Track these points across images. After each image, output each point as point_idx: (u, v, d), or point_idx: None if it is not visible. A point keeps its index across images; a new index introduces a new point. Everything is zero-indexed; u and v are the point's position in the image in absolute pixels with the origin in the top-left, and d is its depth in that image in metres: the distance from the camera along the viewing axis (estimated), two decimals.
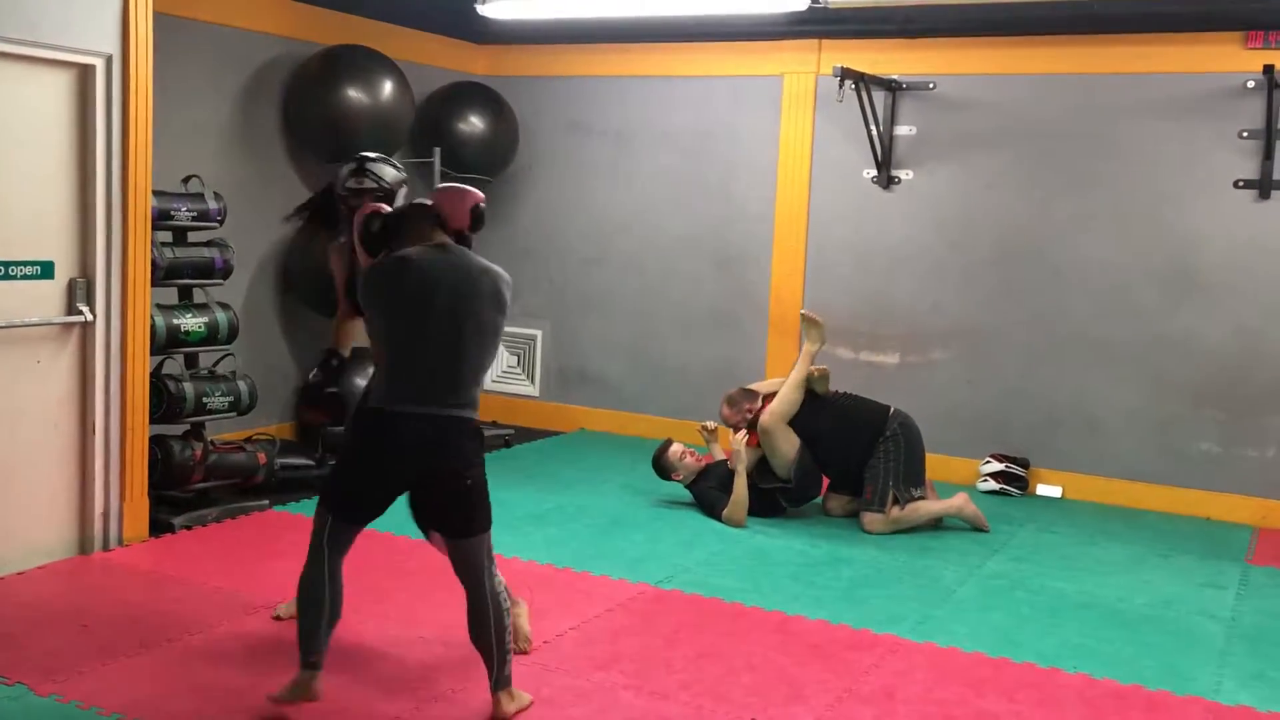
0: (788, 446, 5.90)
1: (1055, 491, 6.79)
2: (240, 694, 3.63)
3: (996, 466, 6.83)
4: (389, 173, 4.36)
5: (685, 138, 7.69)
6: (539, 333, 8.27)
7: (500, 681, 3.52)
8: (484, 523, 3.56)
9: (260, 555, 5.00)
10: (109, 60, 4.79)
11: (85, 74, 4.75)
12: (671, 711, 3.67)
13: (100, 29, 4.74)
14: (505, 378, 8.41)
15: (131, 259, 4.95)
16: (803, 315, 6.16)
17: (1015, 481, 6.79)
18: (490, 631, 3.49)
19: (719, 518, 5.87)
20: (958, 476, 6.82)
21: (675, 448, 6.17)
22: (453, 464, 3.50)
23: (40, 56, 4.57)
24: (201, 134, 6.32)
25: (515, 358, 8.36)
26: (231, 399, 5.58)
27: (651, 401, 7.92)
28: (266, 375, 6.69)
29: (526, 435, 7.85)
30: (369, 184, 4.29)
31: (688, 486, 6.13)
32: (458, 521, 3.54)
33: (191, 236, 5.63)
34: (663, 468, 6.16)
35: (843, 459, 6.00)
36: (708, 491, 6.00)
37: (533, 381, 8.33)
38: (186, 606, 4.35)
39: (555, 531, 5.57)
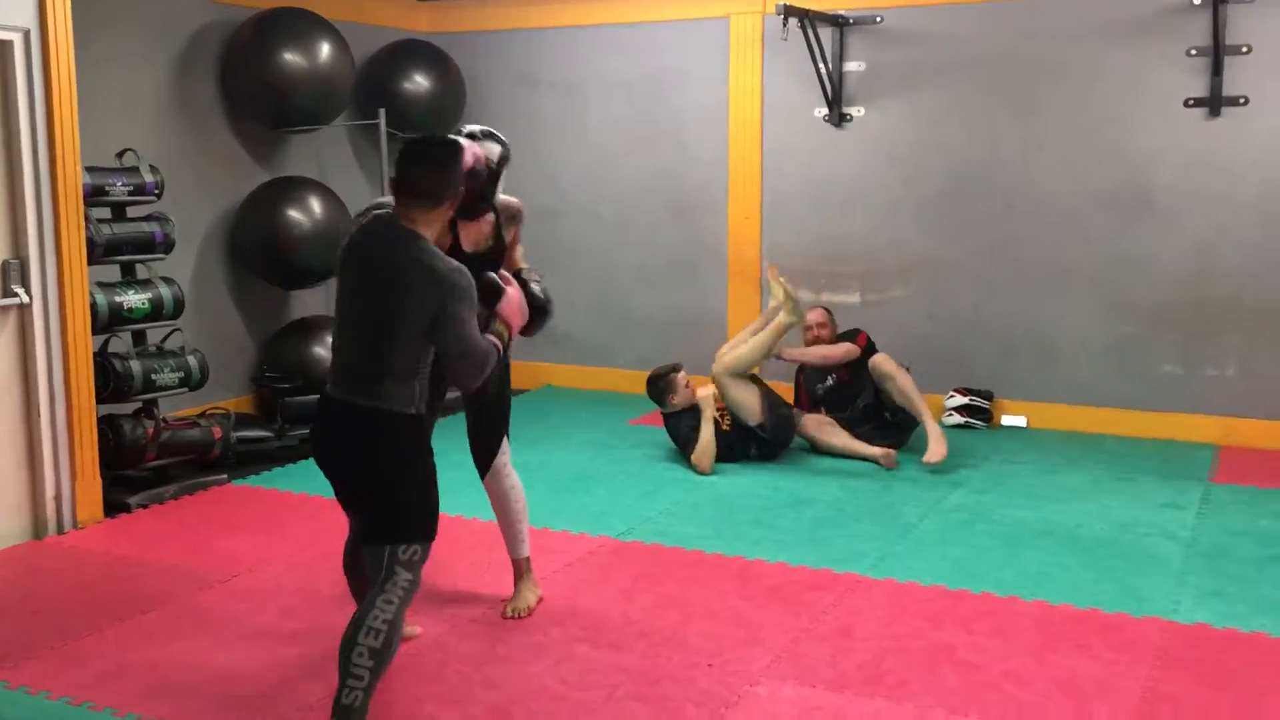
0: (744, 395, 5.89)
1: (1020, 422, 6.80)
2: (192, 668, 3.60)
3: (960, 400, 6.82)
4: (495, 150, 4.01)
5: (635, 85, 7.59)
6: None
7: (337, 710, 3.01)
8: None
9: (216, 530, 4.96)
10: (26, 35, 4.67)
11: (3, 50, 4.64)
12: (628, 662, 3.66)
13: (14, 3, 4.62)
14: None
15: (65, 238, 4.86)
16: (785, 290, 6.07)
17: (979, 414, 6.79)
18: (347, 650, 3.05)
19: (688, 458, 5.86)
20: None
21: (682, 375, 6.15)
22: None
23: None
24: (136, 106, 6.19)
25: None
26: (182, 374, 5.51)
27: (616, 354, 7.88)
28: (221, 348, 6.62)
29: None
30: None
31: (667, 417, 6.13)
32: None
33: (131, 212, 5.53)
34: (660, 389, 6.13)
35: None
36: (685, 430, 5.99)
37: None
38: (140, 585, 4.31)
39: None
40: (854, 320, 6.89)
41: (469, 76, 7.89)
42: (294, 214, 6.54)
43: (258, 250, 6.60)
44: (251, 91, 6.57)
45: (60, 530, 4.92)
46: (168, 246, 5.58)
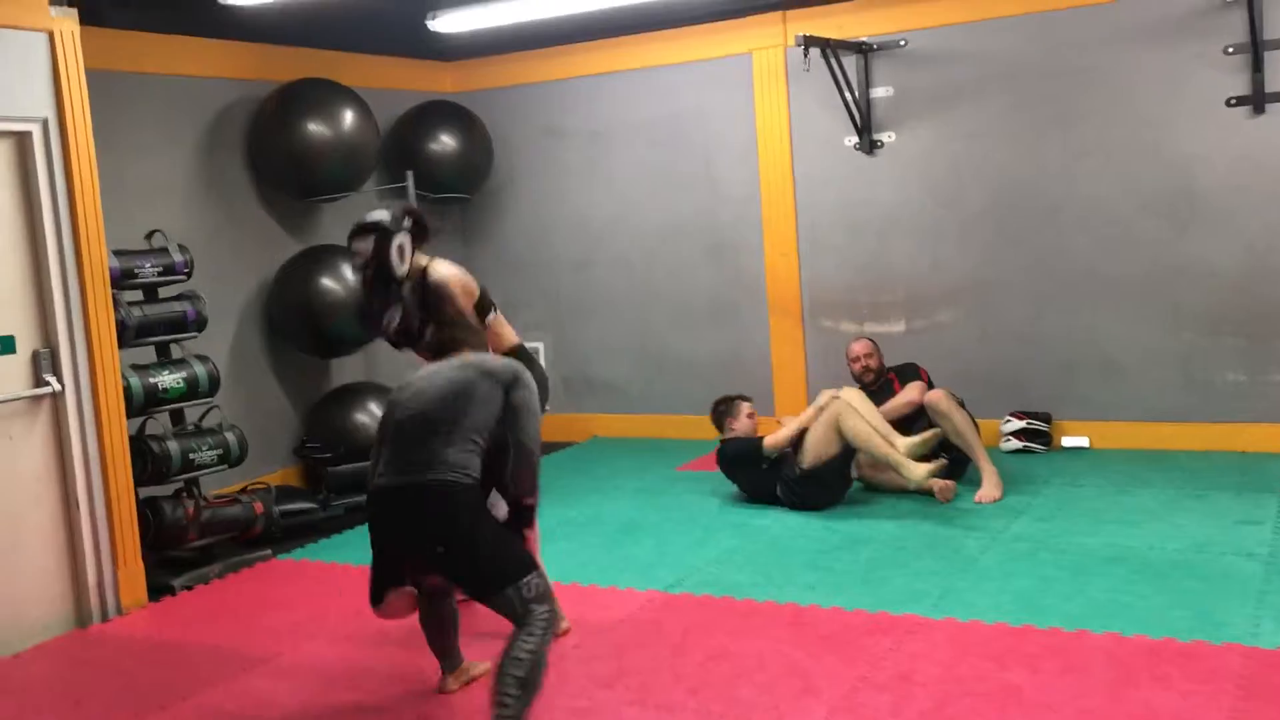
0: (826, 440, 5.62)
1: (1082, 442, 6.56)
2: None
3: (1017, 425, 6.60)
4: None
5: (661, 128, 7.52)
6: (540, 345, 8.12)
7: None
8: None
9: (259, 608, 4.88)
10: (44, 124, 4.69)
11: (22, 141, 4.66)
12: None
13: (31, 94, 4.65)
14: None
15: (94, 323, 4.85)
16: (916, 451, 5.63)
17: (1038, 438, 6.56)
18: (499, 679, 3.20)
19: (737, 474, 5.93)
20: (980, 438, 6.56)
21: (748, 405, 6.10)
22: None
23: None
24: (165, 187, 6.23)
25: None
26: (220, 451, 5.47)
27: (661, 401, 7.76)
28: (264, 421, 6.60)
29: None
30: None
31: (723, 443, 6.04)
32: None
33: (163, 292, 5.53)
34: (721, 412, 6.11)
35: None
36: (737, 461, 5.93)
37: None
38: (183, 670, 4.23)
39: (566, 545, 5.41)
40: (901, 350, 6.70)
41: (496, 132, 7.88)
42: (327, 283, 6.52)
43: (293, 321, 6.59)
44: (278, 164, 6.59)
45: (104, 618, 4.87)
46: (200, 324, 5.56)
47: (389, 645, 4.30)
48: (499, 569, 3.33)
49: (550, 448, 7.74)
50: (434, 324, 4.21)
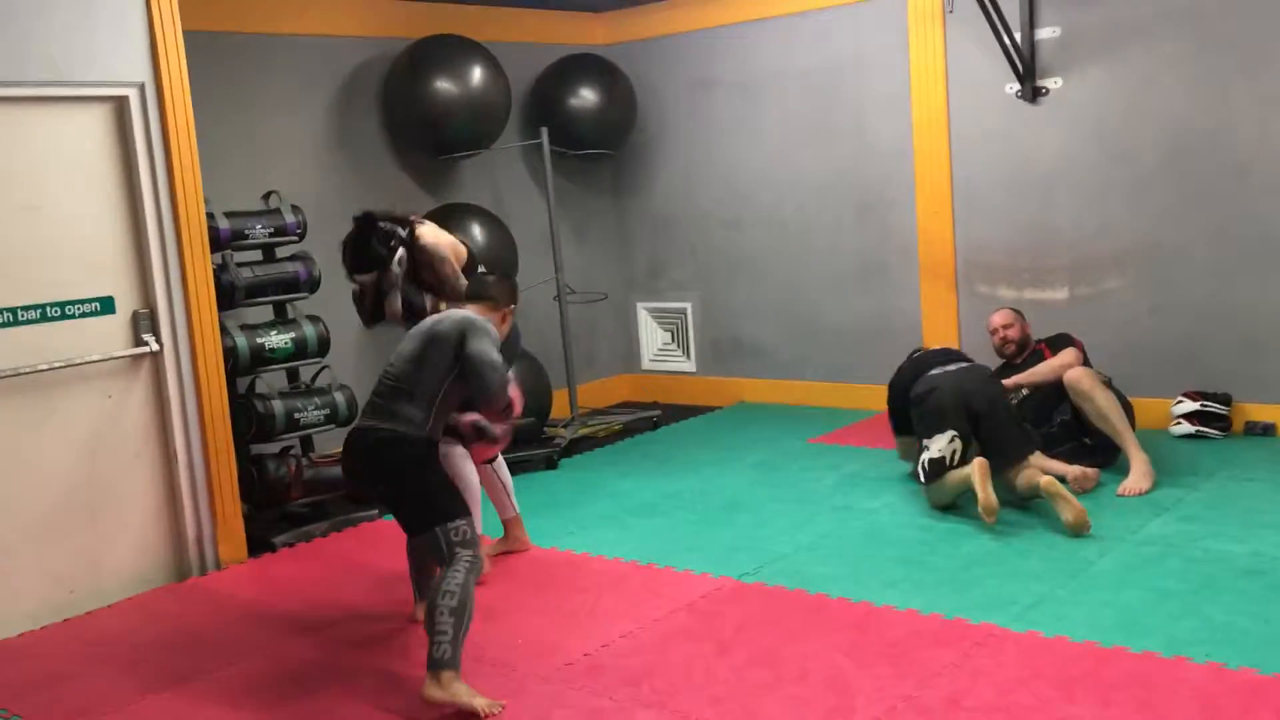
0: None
1: (1269, 427, 5.79)
2: None
3: (1191, 406, 5.89)
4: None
5: (811, 78, 7.08)
6: (688, 305, 7.88)
7: (430, 662, 3.45)
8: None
9: (352, 567, 4.90)
10: (141, 89, 4.78)
11: (120, 105, 4.77)
12: None
13: (127, 59, 4.74)
14: (661, 355, 8.07)
15: (191, 284, 4.94)
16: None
17: (1214, 421, 5.83)
18: (430, 613, 3.51)
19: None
20: (1147, 419, 5.89)
21: None
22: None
23: (70, 95, 4.62)
24: (296, 148, 6.31)
25: (668, 333, 8.01)
26: (327, 412, 5.52)
27: (807, 366, 7.38)
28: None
29: (682, 414, 7.49)
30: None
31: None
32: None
33: (280, 252, 5.62)
34: None
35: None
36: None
37: (688, 356, 7.95)
38: (238, 633, 4.27)
39: (657, 522, 5.20)
40: (1063, 320, 6.09)
41: (644, 85, 7.63)
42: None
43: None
44: (409, 122, 6.58)
45: (203, 572, 5.01)
46: (313, 285, 5.61)
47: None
48: (431, 510, 3.68)
49: (694, 412, 7.52)
50: (433, 292, 4.47)
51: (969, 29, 6.31)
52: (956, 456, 4.89)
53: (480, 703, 3.40)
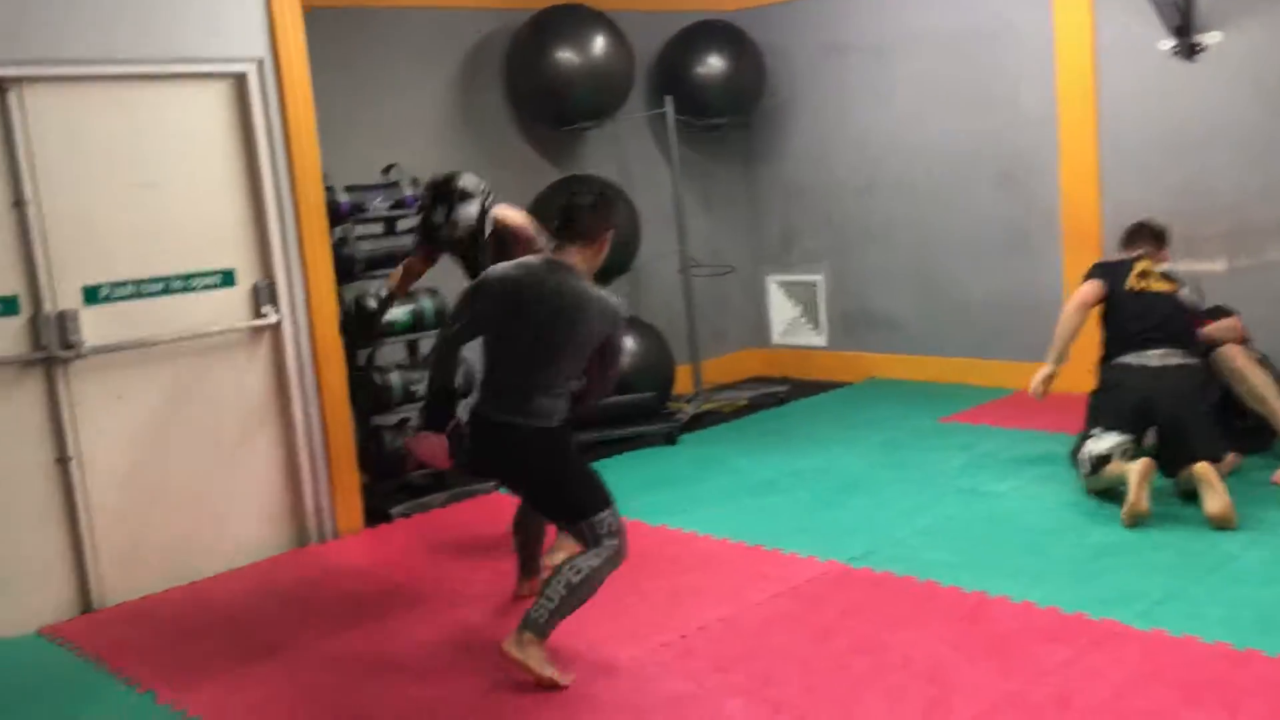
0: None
1: None
2: (333, 701, 3.51)
3: None
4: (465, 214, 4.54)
5: (948, 40, 6.75)
6: (820, 277, 7.66)
7: (524, 618, 3.44)
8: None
9: (459, 542, 4.91)
10: (260, 65, 4.85)
11: (239, 82, 4.84)
12: None
13: (246, 36, 4.80)
14: (791, 329, 7.87)
15: (310, 257, 5.00)
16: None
17: None
18: (551, 577, 3.46)
19: None
20: None
21: None
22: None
23: (190, 72, 4.70)
24: (420, 121, 6.34)
25: (799, 307, 7.80)
26: None
27: (943, 341, 7.09)
28: None
29: (811, 389, 7.30)
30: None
31: None
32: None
33: (402, 225, 5.65)
34: None
35: None
36: None
37: (819, 330, 7.73)
38: (347, 602, 4.32)
39: (772, 501, 5.06)
40: (1222, 292, 5.65)
41: (773, 51, 7.42)
42: None
43: None
44: (532, 93, 6.54)
45: (321, 540, 5.09)
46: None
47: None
48: (575, 506, 3.54)
49: (823, 388, 7.32)
50: None
51: None
52: (1128, 453, 4.57)
53: (549, 672, 3.38)
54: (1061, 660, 3.30)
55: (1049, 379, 5.05)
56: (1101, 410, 4.79)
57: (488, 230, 4.55)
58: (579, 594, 3.41)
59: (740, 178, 7.85)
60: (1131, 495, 4.31)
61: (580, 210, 3.65)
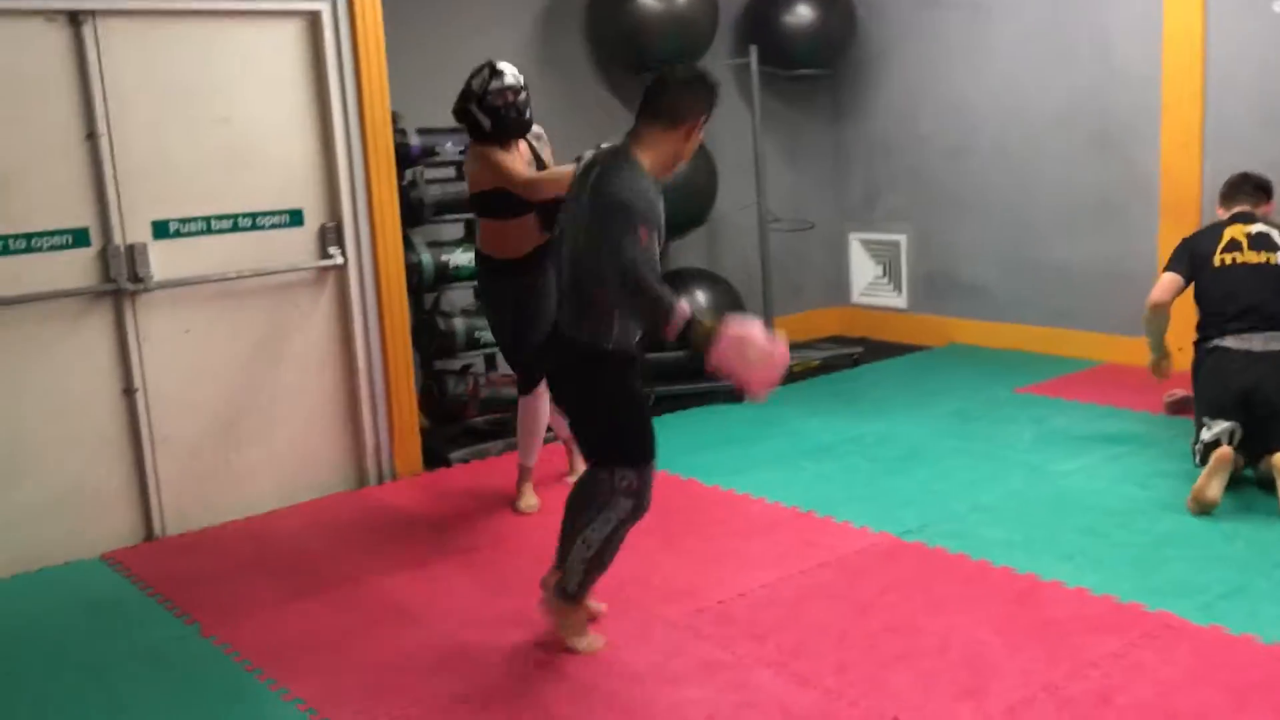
0: None
1: None
2: (367, 644, 3.54)
3: None
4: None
5: None
6: (903, 237, 7.45)
7: (555, 586, 3.37)
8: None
9: (510, 492, 4.90)
10: (334, 4, 4.83)
11: (313, 20, 4.83)
12: (801, 702, 3.04)
13: None
14: (872, 289, 7.70)
15: (377, 200, 5.00)
16: None
17: None
18: (566, 545, 3.35)
19: None
20: None
21: None
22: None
23: (264, 9, 4.70)
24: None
25: (881, 266, 7.62)
26: None
27: (1027, 309, 6.86)
28: None
29: (888, 352, 7.14)
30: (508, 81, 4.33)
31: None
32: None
33: None
34: None
35: None
36: None
37: (900, 292, 7.55)
38: (396, 545, 4.35)
39: (830, 467, 4.95)
40: None
41: (868, 2, 7.19)
42: None
43: None
44: (613, 38, 6.44)
45: (379, 481, 5.14)
46: None
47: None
48: (604, 446, 3.26)
49: (900, 351, 7.16)
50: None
51: None
52: (1235, 438, 4.35)
53: (581, 644, 3.35)
54: (1108, 652, 3.18)
55: (1156, 366, 4.92)
56: (1205, 398, 4.56)
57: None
58: (598, 564, 3.28)
59: (826, 132, 7.65)
60: (1199, 481, 4.12)
61: (666, 85, 3.12)
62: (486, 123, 4.31)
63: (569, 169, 3.88)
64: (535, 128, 4.53)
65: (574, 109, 6.51)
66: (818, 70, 7.07)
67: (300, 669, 3.39)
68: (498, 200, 4.32)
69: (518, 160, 4.35)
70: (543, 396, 4.55)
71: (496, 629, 3.57)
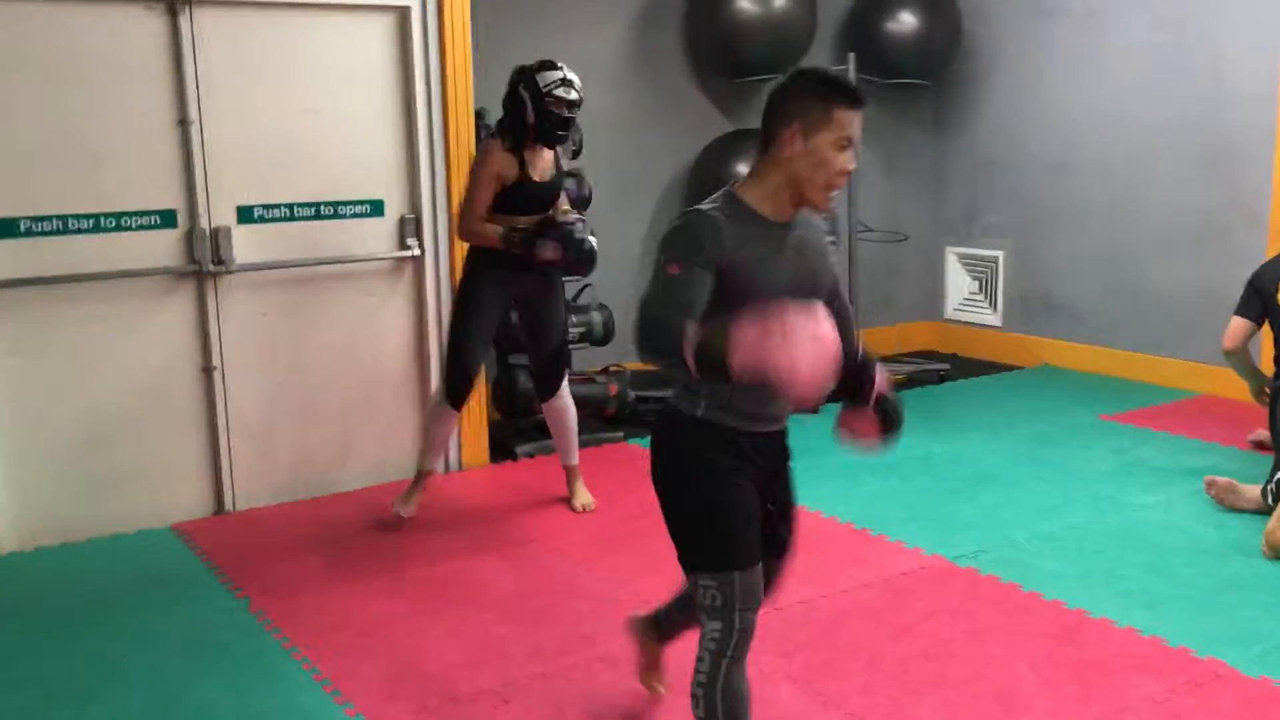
0: None
1: None
2: (397, 635, 3.60)
3: None
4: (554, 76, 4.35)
5: (1167, 6, 6.22)
6: (1000, 254, 7.27)
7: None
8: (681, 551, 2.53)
9: (564, 490, 4.92)
10: (424, 1, 4.91)
11: (403, 16, 4.92)
12: (818, 718, 3.00)
13: None
14: (965, 305, 7.53)
15: (455, 195, 5.07)
16: None
17: None
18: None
19: None
20: None
21: None
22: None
23: (355, 3, 4.80)
24: (595, 64, 6.28)
25: (976, 282, 7.45)
26: (583, 330, 5.56)
27: (1123, 333, 6.63)
28: None
29: (978, 370, 6.98)
30: (573, 94, 4.30)
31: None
32: None
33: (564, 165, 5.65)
34: None
35: None
36: None
37: (995, 309, 7.36)
38: (450, 536, 4.40)
39: (893, 484, 4.86)
40: None
41: (974, 10, 7.03)
42: (743, 170, 6.29)
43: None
44: (709, 42, 6.42)
45: (445, 472, 5.21)
46: (583, 202, 5.62)
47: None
48: (679, 541, 2.52)
49: (991, 369, 7.00)
50: None
51: None
52: None
53: (652, 685, 3.14)
54: (1147, 696, 3.06)
55: (1259, 394, 4.74)
56: (1276, 428, 4.40)
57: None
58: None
59: (928, 143, 7.51)
60: (1271, 523, 3.94)
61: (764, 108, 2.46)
62: (531, 117, 4.28)
63: (496, 232, 4.25)
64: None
65: (669, 112, 6.52)
66: (919, 80, 6.93)
67: (334, 650, 3.46)
68: (513, 196, 4.34)
69: (488, 189, 4.30)
70: (564, 397, 4.62)
71: (534, 628, 3.59)
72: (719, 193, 2.45)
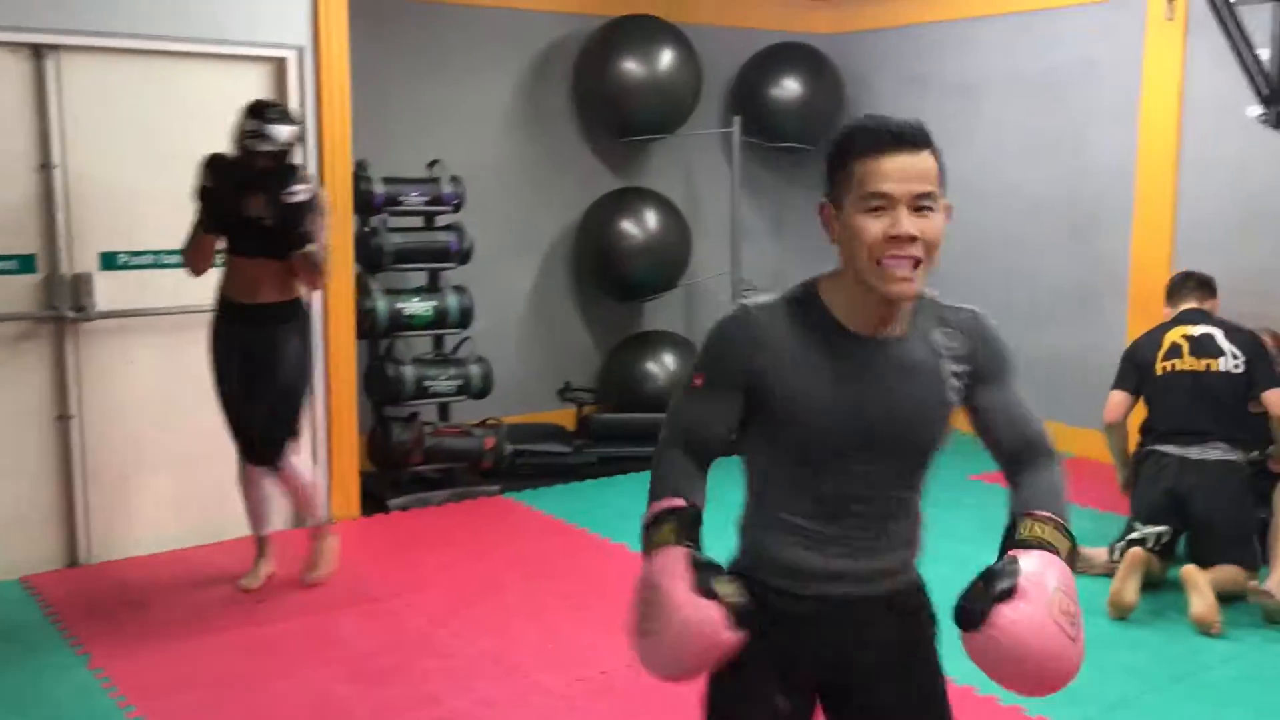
0: None
1: None
2: (242, 692, 3.53)
3: None
4: (283, 132, 4.04)
5: (1034, 83, 6.48)
6: None
7: None
8: None
9: (440, 543, 4.91)
10: (300, 53, 4.93)
11: (279, 67, 4.93)
12: None
13: (289, 24, 4.89)
14: None
15: (330, 245, 5.05)
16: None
17: None
18: None
19: None
20: None
21: None
22: None
23: (229, 54, 4.81)
24: (485, 118, 6.37)
25: None
26: (460, 383, 5.56)
27: None
28: (550, 359, 6.63)
29: None
30: (265, 146, 4.00)
31: None
32: None
33: (441, 220, 5.68)
34: None
35: None
36: None
37: None
38: (300, 592, 4.35)
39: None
40: None
41: (855, 79, 7.24)
42: (628, 226, 6.38)
43: (591, 261, 6.54)
44: (597, 101, 6.52)
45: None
46: (463, 256, 5.65)
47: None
48: None
49: None
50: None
51: (1214, 40, 5.56)
52: (1160, 542, 4.36)
53: None
54: None
55: (1126, 483, 4.79)
56: (1138, 502, 4.55)
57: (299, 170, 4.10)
58: None
59: (813, 204, 7.64)
60: (1115, 584, 4.06)
61: None
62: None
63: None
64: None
65: (558, 167, 6.61)
66: (802, 144, 7.10)
67: (170, 711, 3.39)
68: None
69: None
70: (292, 471, 4.34)
71: (375, 684, 3.56)
72: (804, 282, 1.94)
